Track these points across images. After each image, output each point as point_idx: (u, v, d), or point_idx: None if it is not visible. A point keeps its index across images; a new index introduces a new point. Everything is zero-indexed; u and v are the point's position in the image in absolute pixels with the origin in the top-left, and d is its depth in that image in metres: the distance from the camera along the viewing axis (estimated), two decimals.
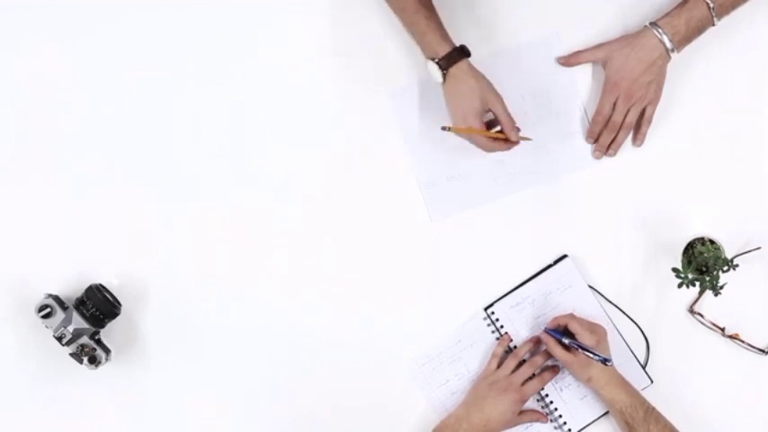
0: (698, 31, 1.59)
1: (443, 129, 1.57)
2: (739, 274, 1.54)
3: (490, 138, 1.57)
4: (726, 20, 1.59)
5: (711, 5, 1.56)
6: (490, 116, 1.58)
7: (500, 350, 1.63)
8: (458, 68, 1.55)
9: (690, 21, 1.57)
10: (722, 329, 1.62)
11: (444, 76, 1.55)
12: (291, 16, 1.66)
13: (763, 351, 1.63)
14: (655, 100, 1.63)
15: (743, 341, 1.62)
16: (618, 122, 1.63)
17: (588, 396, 1.61)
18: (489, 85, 1.57)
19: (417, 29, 1.57)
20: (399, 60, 1.64)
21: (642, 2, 1.65)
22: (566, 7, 1.65)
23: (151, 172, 1.64)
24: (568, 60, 1.66)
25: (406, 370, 1.64)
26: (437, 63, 1.55)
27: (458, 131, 1.57)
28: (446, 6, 1.60)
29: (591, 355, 1.53)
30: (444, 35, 1.56)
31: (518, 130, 1.58)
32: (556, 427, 1.63)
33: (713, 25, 1.58)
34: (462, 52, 1.56)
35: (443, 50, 1.55)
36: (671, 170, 1.66)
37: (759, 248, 1.60)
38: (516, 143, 1.57)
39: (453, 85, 1.56)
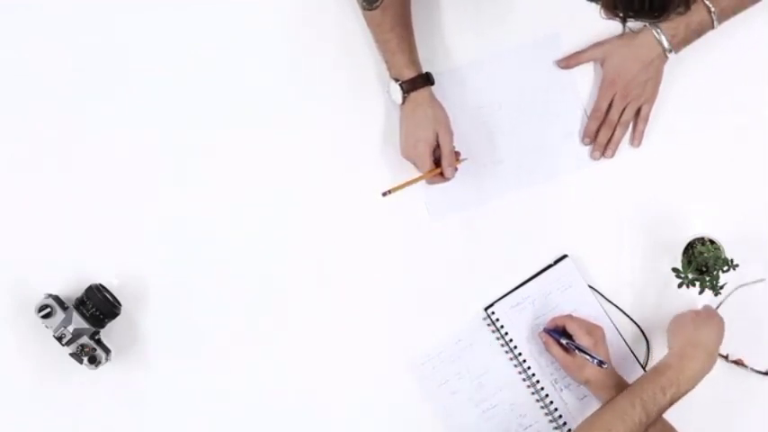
0: (697, 34, 1.59)
1: (384, 194, 1.55)
2: (740, 292, 1.56)
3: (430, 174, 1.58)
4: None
5: (713, 10, 1.56)
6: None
7: None
8: (419, 94, 1.55)
9: (690, 24, 1.57)
10: (725, 356, 1.62)
11: (404, 99, 1.56)
12: (291, 17, 1.65)
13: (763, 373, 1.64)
14: (651, 98, 1.64)
15: (746, 366, 1.63)
16: (614, 120, 1.64)
17: (588, 396, 1.61)
18: (446, 118, 1.57)
19: (388, 47, 1.56)
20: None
21: None
22: (566, 8, 1.65)
23: (151, 172, 1.63)
24: (569, 62, 1.65)
25: (406, 370, 1.64)
26: (400, 85, 1.55)
27: (398, 189, 1.56)
28: (447, 7, 1.61)
29: (587, 357, 1.54)
30: (413, 59, 1.56)
31: (456, 163, 1.57)
32: (555, 428, 1.63)
33: (713, 28, 1.59)
34: (427, 80, 1.56)
35: (409, 74, 1.55)
36: (671, 170, 1.66)
37: (763, 280, 1.62)
38: (450, 179, 1.57)
39: (411, 111, 1.56)
